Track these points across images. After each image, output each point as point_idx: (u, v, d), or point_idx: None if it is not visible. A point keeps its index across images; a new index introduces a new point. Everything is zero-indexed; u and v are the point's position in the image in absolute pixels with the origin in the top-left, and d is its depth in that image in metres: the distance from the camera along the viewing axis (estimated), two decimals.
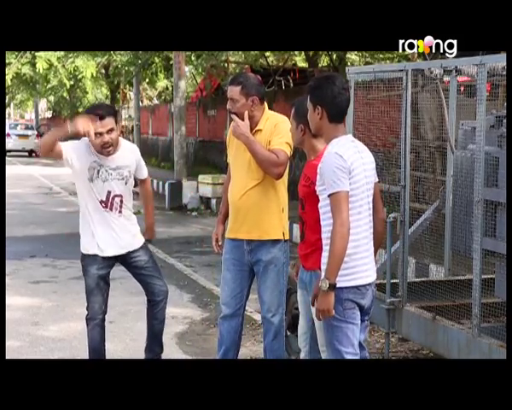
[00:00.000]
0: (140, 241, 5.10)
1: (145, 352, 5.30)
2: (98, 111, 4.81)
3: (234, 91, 4.61)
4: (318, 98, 3.73)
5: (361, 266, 3.67)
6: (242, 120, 4.56)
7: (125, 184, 4.99)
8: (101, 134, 4.75)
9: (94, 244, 4.94)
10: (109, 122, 4.79)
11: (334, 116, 3.71)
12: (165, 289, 5.17)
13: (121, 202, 4.97)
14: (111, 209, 4.95)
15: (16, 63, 24.65)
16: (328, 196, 3.58)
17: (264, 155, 4.51)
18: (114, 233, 4.97)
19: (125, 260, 5.07)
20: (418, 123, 7.65)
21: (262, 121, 4.65)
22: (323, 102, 3.71)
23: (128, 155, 5.04)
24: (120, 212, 4.97)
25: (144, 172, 5.19)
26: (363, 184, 3.68)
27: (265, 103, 4.74)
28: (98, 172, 4.88)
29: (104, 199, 4.92)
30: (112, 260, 5.03)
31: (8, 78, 25.33)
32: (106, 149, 4.82)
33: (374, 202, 3.79)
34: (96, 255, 4.95)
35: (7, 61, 24.11)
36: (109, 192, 4.92)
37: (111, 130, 4.79)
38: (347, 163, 3.59)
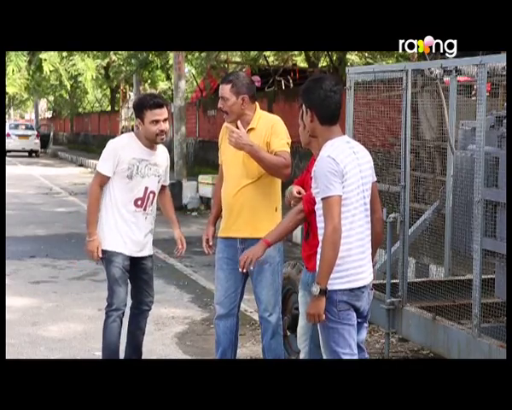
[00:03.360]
0: (152, 248, 5.10)
1: None
2: (157, 99, 4.90)
3: (224, 89, 4.62)
4: (308, 101, 3.71)
5: (355, 269, 3.64)
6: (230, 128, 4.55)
7: (158, 182, 5.01)
8: (157, 122, 4.82)
9: (121, 243, 4.91)
10: (165, 111, 4.89)
11: (324, 118, 3.67)
12: (152, 302, 5.15)
13: (153, 198, 4.99)
14: (145, 207, 4.93)
15: (27, 68, 24.50)
16: (321, 200, 3.57)
17: (272, 160, 4.53)
18: (140, 235, 4.95)
19: (136, 260, 5.03)
20: (418, 123, 7.65)
21: (254, 120, 4.66)
22: (312, 105, 3.68)
23: (163, 154, 5.10)
24: (151, 209, 4.99)
25: (168, 178, 5.20)
26: (358, 185, 3.64)
27: (257, 103, 4.75)
28: (137, 168, 4.90)
29: (141, 196, 4.92)
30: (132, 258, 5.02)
31: (22, 86, 25.17)
32: (160, 136, 4.89)
33: (371, 202, 3.76)
34: (121, 253, 4.93)
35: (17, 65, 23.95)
36: (146, 188, 4.93)
37: (166, 119, 4.90)
38: (340, 166, 3.55)
